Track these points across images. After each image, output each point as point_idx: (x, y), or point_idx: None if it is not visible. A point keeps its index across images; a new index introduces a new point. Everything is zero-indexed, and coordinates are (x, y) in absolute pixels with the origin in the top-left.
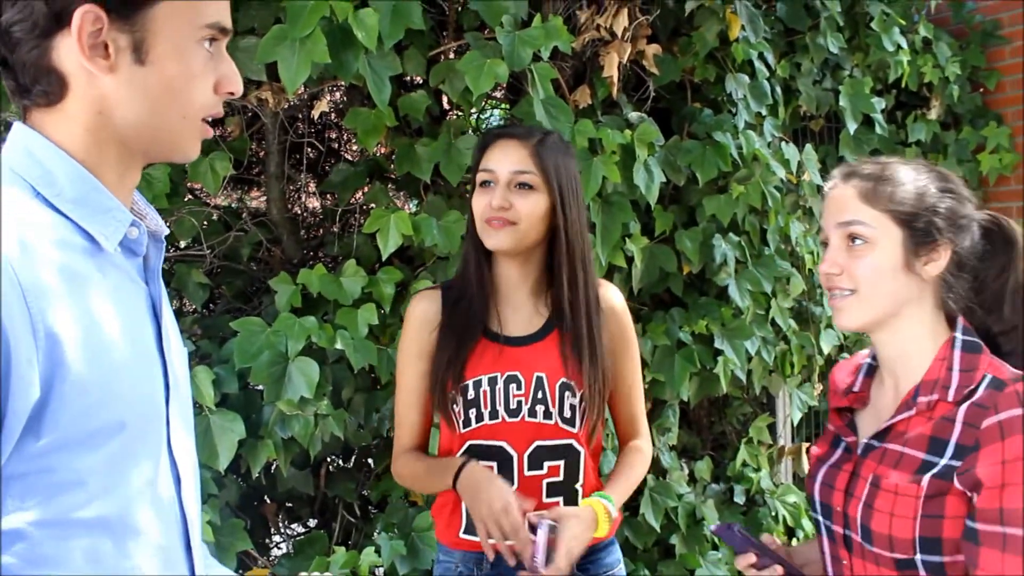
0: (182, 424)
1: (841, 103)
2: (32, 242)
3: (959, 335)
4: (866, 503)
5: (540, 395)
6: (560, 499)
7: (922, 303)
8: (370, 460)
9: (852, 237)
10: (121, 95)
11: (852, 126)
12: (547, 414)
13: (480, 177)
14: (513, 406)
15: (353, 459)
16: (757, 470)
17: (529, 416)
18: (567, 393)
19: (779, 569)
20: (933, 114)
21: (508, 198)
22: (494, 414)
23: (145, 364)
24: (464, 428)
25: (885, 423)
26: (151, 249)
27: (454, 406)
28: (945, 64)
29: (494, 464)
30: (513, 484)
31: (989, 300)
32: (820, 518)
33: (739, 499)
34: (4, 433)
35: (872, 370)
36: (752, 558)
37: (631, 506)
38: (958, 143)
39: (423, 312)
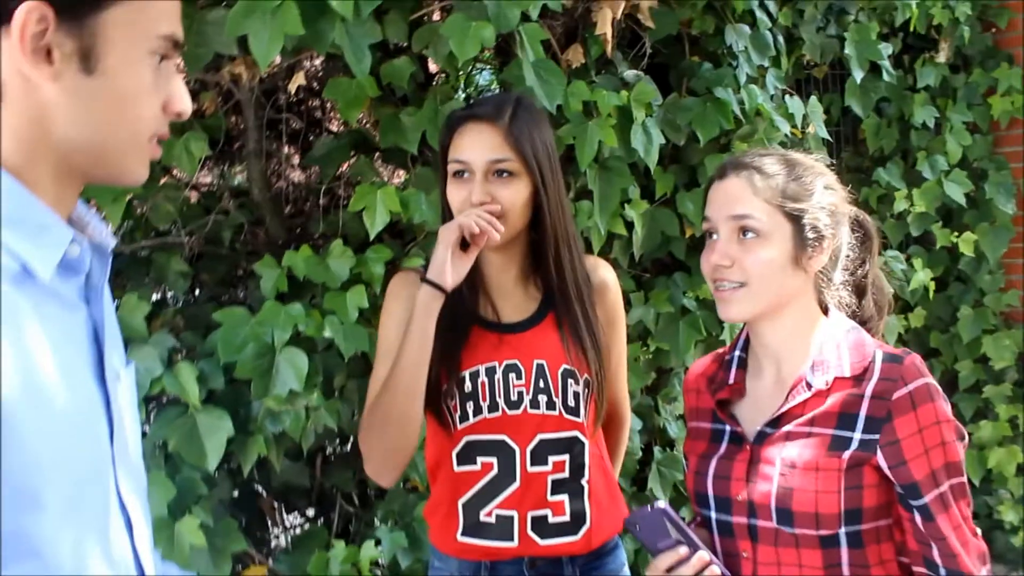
0: (128, 461)
1: (847, 51)
2: None
3: (838, 319)
4: (783, 486)
5: (542, 384)
6: (565, 496)
7: (804, 294)
8: None
9: (744, 230)
10: (63, 107)
11: (859, 74)
12: (550, 404)
13: (452, 168)
14: (514, 397)
15: (350, 444)
16: None
17: (531, 407)
18: (570, 380)
19: (705, 557)
20: (942, 57)
21: (488, 190)
22: (494, 406)
23: (87, 407)
24: (461, 423)
25: (781, 408)
26: (94, 264)
27: (449, 400)
28: (955, 4)
29: (494, 460)
30: (515, 482)
31: (852, 291)
32: (713, 514)
33: None
34: None
35: (743, 363)
36: (680, 554)
37: (638, 480)
38: (968, 86)
39: (405, 289)
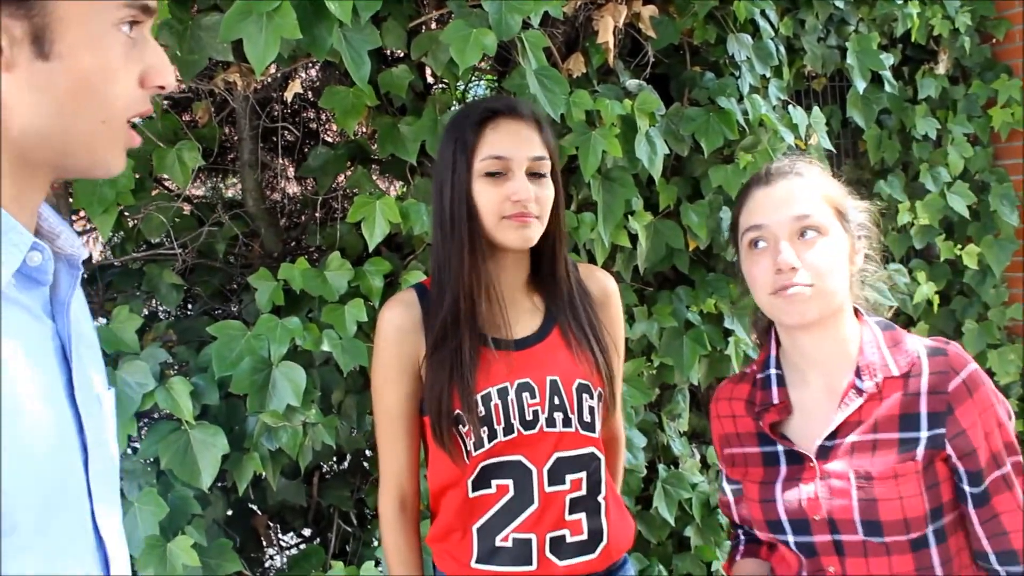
0: (106, 489)
1: (848, 61)
2: None
3: (870, 319)
4: (864, 498)
5: (557, 400)
6: (583, 515)
7: (848, 296)
8: (365, 464)
9: (805, 230)
10: (20, 98)
11: (861, 85)
12: (566, 421)
13: (488, 166)
14: (529, 417)
15: (347, 462)
16: None
17: (548, 426)
18: (585, 395)
19: None
20: (941, 68)
21: (531, 189)
22: (509, 428)
23: (57, 430)
24: (476, 450)
25: (840, 419)
26: (61, 276)
27: (460, 427)
28: (955, 15)
29: (510, 482)
30: (533, 503)
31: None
32: (791, 537)
33: None
34: None
35: (781, 379)
36: None
37: (643, 498)
38: (967, 98)
39: (402, 322)
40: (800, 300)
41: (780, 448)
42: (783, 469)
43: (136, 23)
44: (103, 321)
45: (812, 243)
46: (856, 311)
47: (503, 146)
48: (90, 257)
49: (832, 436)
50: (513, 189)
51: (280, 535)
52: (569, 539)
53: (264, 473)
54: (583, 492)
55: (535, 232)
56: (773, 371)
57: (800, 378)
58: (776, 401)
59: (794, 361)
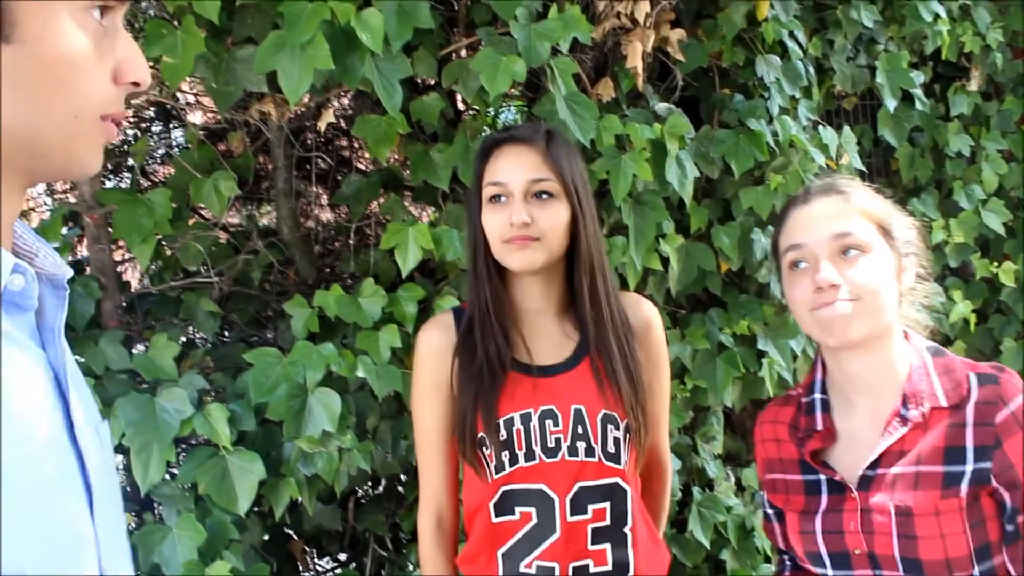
0: (113, 528)
1: (878, 79)
2: None
3: (921, 343)
4: (904, 535)
5: (580, 430)
6: (607, 545)
7: (896, 317)
8: (400, 488)
9: (846, 248)
10: None
11: (892, 103)
12: (589, 451)
13: (489, 192)
14: (551, 444)
15: (383, 487)
16: None
17: (569, 454)
18: (610, 426)
19: None
20: (973, 85)
21: (528, 211)
22: (530, 455)
23: (59, 473)
24: (497, 473)
25: (879, 449)
26: (47, 300)
27: (483, 449)
28: (986, 31)
29: (533, 510)
30: (556, 532)
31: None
32: (830, 571)
33: None
34: None
35: (826, 404)
36: None
37: (678, 522)
38: (1001, 114)
39: (436, 343)
40: (843, 318)
41: (822, 477)
42: (824, 499)
43: (107, 9)
44: (142, 348)
45: (854, 261)
46: (905, 333)
47: (501, 172)
48: (128, 285)
49: (874, 465)
50: (507, 214)
51: (316, 559)
52: (593, 569)
53: (300, 498)
54: (607, 522)
55: (537, 255)
56: (818, 396)
57: (846, 404)
58: (820, 427)
59: (840, 386)
